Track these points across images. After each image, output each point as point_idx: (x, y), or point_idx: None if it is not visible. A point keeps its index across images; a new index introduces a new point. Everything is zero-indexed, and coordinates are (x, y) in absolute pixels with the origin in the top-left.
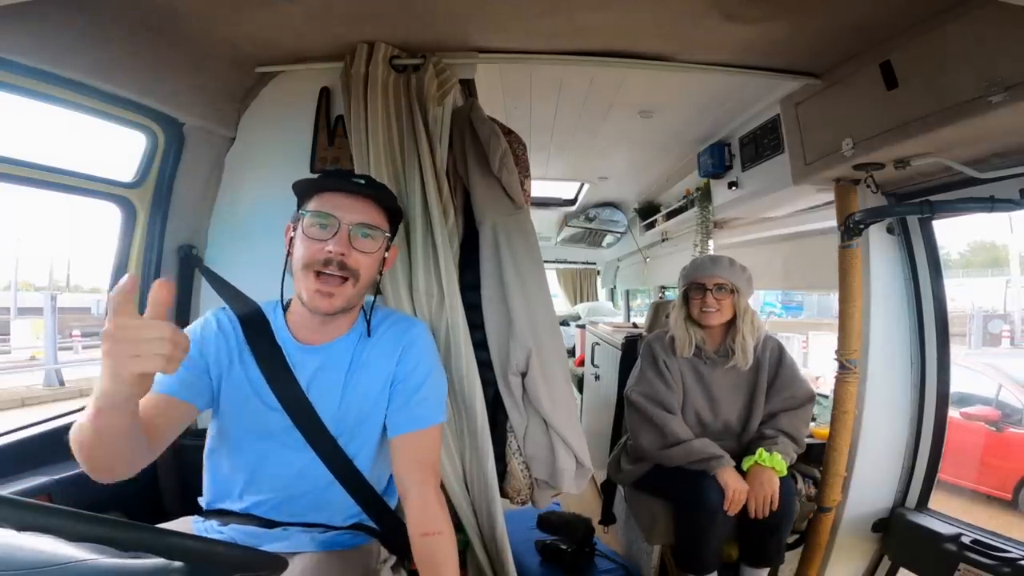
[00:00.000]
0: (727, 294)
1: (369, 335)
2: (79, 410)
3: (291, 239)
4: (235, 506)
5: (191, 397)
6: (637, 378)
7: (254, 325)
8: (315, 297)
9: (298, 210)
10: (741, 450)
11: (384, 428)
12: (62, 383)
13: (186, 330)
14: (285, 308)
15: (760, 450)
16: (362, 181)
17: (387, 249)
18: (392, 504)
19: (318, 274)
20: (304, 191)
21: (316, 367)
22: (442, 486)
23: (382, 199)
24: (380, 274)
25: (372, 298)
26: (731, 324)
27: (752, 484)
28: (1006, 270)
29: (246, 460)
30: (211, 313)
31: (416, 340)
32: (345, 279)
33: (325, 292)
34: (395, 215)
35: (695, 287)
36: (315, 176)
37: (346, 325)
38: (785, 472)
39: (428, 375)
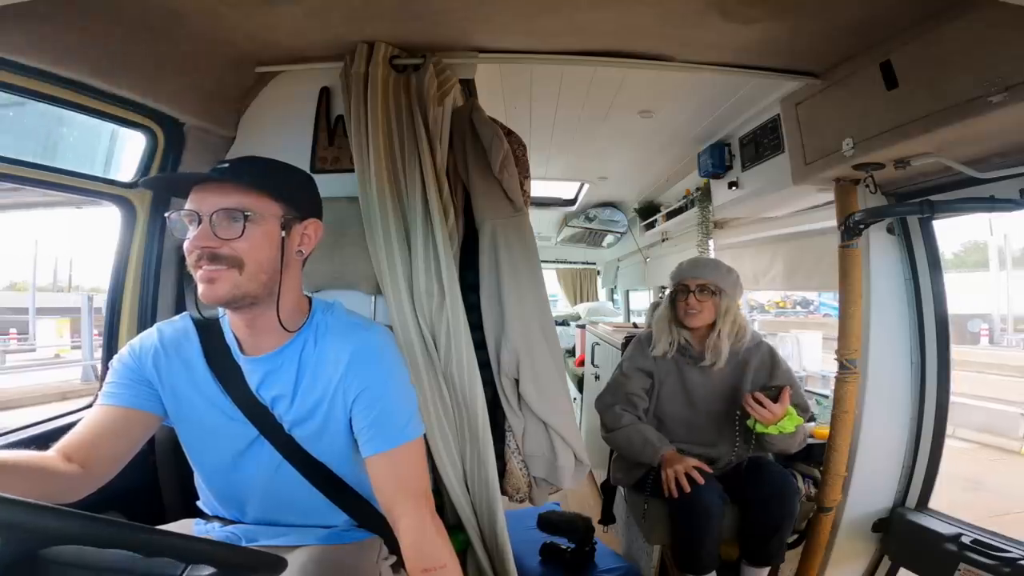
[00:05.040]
0: (709, 295)
1: (310, 313)
2: (78, 410)
3: None
4: (223, 513)
5: (140, 405)
6: (613, 375)
7: (209, 331)
8: (201, 287)
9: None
10: (728, 449)
11: (352, 438)
12: (99, 379)
13: (130, 342)
14: None
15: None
16: (225, 165)
17: (287, 228)
18: None
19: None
20: (177, 194)
21: (262, 374)
22: (442, 486)
23: (244, 178)
24: (304, 254)
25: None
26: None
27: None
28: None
29: (214, 470)
30: (156, 327)
31: (362, 351)
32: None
33: (207, 278)
34: (282, 191)
35: (681, 289)
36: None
37: (280, 333)
38: (794, 425)
39: (386, 390)
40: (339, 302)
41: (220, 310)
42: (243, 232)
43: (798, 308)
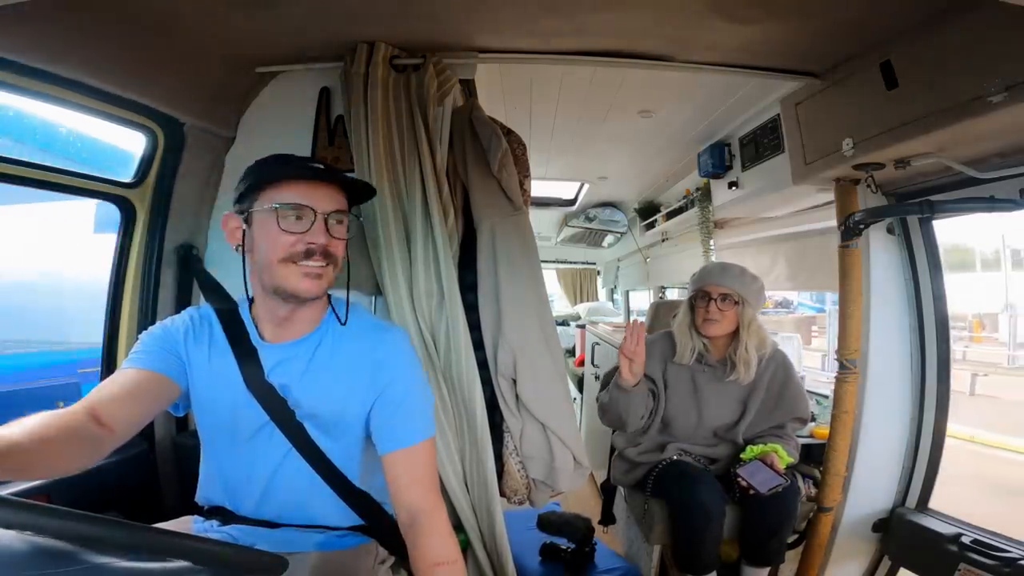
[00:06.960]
0: (731, 305)
1: (344, 322)
2: None
3: (243, 231)
4: (224, 503)
5: (168, 372)
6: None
7: (230, 317)
8: (304, 281)
9: (246, 199)
10: (734, 451)
11: (367, 436)
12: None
13: (161, 321)
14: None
15: (778, 445)
16: (320, 166)
17: (350, 229)
18: (389, 508)
19: (298, 263)
20: (263, 179)
21: (275, 362)
22: (442, 486)
23: (345, 182)
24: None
25: (346, 292)
26: (736, 335)
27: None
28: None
29: (224, 454)
30: (186, 311)
31: (391, 353)
32: (329, 265)
33: (314, 274)
34: (353, 193)
35: (701, 294)
36: (266, 159)
37: (310, 322)
38: (785, 465)
39: (409, 389)
40: (359, 303)
41: (242, 298)
42: (347, 234)
43: (779, 308)
